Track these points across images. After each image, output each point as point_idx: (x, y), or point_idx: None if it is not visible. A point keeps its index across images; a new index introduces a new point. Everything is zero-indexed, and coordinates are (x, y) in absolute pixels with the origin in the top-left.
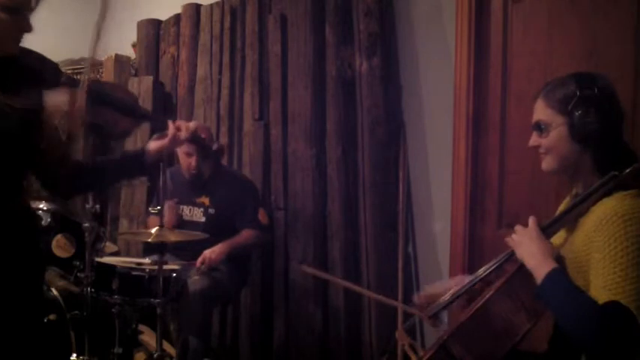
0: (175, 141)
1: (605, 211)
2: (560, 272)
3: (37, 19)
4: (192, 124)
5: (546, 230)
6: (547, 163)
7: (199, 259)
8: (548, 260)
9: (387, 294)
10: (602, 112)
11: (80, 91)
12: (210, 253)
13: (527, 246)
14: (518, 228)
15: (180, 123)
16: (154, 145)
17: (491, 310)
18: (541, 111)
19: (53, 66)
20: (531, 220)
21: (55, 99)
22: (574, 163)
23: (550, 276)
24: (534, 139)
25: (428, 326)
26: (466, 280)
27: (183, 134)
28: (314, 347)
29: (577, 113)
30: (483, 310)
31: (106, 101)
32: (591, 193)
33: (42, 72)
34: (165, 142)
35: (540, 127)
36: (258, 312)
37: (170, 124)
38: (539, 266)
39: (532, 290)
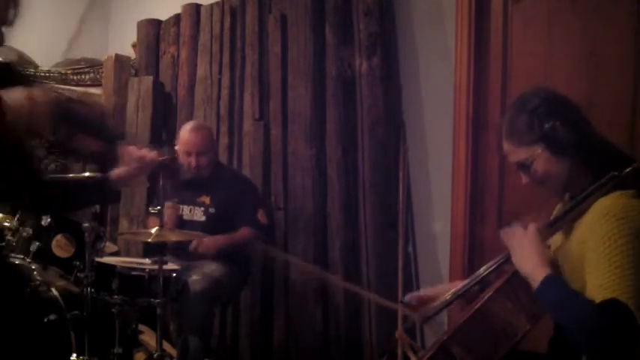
0: (141, 170)
1: (599, 210)
2: (554, 278)
3: (38, 19)
4: (154, 154)
5: (543, 233)
6: (549, 191)
7: (193, 243)
8: (543, 266)
9: (387, 294)
10: (564, 118)
11: (39, 90)
12: (206, 240)
13: (523, 251)
14: (517, 228)
15: (144, 153)
16: (117, 172)
17: (491, 311)
18: (515, 153)
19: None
20: (531, 226)
21: (12, 95)
22: (568, 177)
23: (545, 282)
24: (525, 177)
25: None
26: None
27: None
28: (314, 347)
29: (547, 133)
30: (483, 311)
31: (69, 117)
32: (590, 194)
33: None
34: (129, 170)
35: (525, 166)
36: (258, 312)
37: (133, 151)
38: (534, 272)
39: (532, 291)
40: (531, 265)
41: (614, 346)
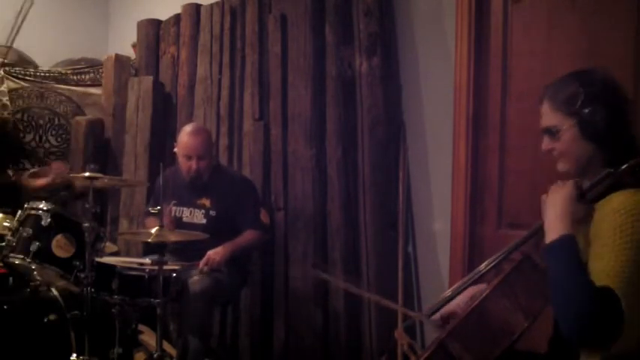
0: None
1: (614, 206)
2: (571, 239)
3: (38, 19)
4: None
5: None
6: (563, 165)
7: (203, 260)
8: (564, 223)
9: (387, 294)
10: (608, 107)
11: None
12: (214, 255)
13: (555, 202)
14: (557, 183)
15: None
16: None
17: (489, 309)
18: (549, 116)
19: None
20: (570, 181)
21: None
22: (587, 161)
23: (561, 240)
24: (547, 144)
25: (427, 326)
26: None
27: None
28: (314, 347)
29: (585, 113)
30: (480, 309)
31: None
32: (588, 190)
33: None
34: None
35: (551, 132)
36: (258, 312)
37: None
38: (554, 226)
39: (529, 289)
40: (554, 215)
41: (596, 331)
